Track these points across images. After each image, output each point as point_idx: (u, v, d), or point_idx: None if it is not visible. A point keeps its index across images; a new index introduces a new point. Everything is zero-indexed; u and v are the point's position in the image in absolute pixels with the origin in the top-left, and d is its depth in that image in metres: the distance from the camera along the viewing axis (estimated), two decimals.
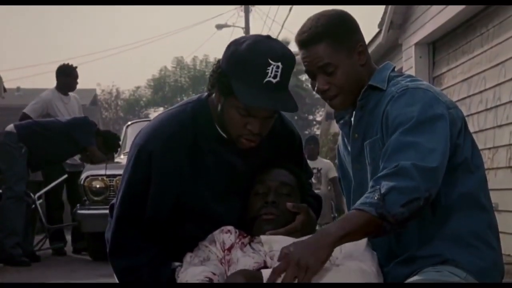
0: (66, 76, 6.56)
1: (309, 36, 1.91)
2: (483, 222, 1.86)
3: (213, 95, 1.94)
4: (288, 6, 21.08)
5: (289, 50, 1.89)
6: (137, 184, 1.94)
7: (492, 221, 1.89)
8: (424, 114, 1.77)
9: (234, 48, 1.85)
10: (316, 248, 1.63)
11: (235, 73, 1.83)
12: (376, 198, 1.68)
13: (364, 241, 1.85)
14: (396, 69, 2.02)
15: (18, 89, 26.13)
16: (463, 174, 1.84)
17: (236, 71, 1.82)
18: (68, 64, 6.65)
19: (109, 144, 6.13)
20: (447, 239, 1.82)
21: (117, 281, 2.02)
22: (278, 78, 1.82)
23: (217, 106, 1.91)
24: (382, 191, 1.68)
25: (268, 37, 1.89)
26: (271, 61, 1.81)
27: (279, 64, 1.82)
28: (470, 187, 1.85)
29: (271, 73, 1.81)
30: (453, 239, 1.82)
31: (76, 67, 6.65)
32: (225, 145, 1.95)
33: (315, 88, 1.95)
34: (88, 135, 5.95)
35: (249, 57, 1.81)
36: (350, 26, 1.94)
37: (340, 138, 2.11)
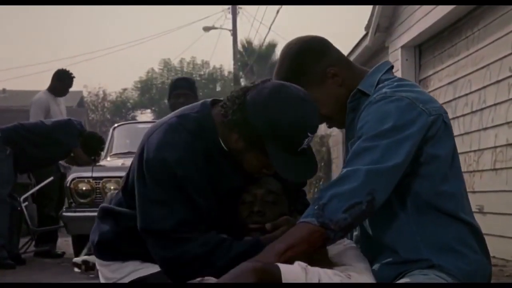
0: (65, 81, 6.71)
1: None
2: (466, 228, 1.88)
3: (217, 107, 1.94)
4: (276, 8, 21.10)
5: (318, 111, 1.91)
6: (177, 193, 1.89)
7: (474, 226, 1.90)
8: (388, 125, 1.78)
9: (273, 114, 1.82)
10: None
11: (273, 140, 1.84)
12: (316, 208, 1.72)
13: (353, 246, 1.87)
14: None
15: (3, 90, 26.01)
16: (441, 183, 1.85)
17: (275, 139, 1.83)
18: (67, 70, 6.78)
19: (89, 146, 6.10)
20: (432, 244, 1.84)
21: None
22: (309, 143, 1.90)
23: (234, 143, 1.91)
24: (323, 200, 1.72)
25: (304, 99, 1.86)
26: (309, 134, 1.86)
27: (314, 134, 1.89)
28: (448, 195, 1.86)
29: (306, 143, 1.87)
30: (438, 245, 1.84)
31: (74, 77, 6.78)
32: (226, 157, 1.95)
33: None
34: (72, 137, 5.94)
35: (291, 133, 1.83)
36: (313, 56, 1.96)
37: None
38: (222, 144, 1.94)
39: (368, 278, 1.81)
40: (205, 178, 1.91)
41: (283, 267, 1.67)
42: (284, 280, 1.65)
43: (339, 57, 2.00)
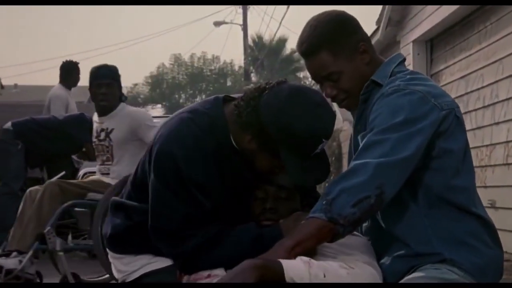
0: (74, 70, 6.74)
1: (308, 47, 1.93)
2: (478, 222, 1.87)
3: (230, 105, 1.94)
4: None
5: (334, 116, 1.90)
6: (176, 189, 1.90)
7: (486, 220, 1.89)
8: (400, 118, 1.77)
9: (288, 120, 1.81)
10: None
11: (288, 145, 1.83)
12: (324, 203, 1.71)
13: (357, 234, 1.89)
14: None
15: (15, 86, 26.15)
16: (453, 177, 1.84)
17: (289, 144, 1.83)
18: (71, 60, 6.80)
19: None
20: (444, 238, 1.83)
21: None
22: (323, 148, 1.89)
23: (246, 143, 1.90)
24: (332, 195, 1.71)
25: (320, 105, 1.85)
26: (324, 140, 1.85)
27: (328, 140, 1.88)
28: (460, 189, 1.86)
29: (320, 148, 1.86)
30: (451, 239, 1.83)
31: (78, 63, 6.80)
32: (236, 153, 1.95)
33: (323, 94, 1.97)
34: (84, 131, 5.95)
35: (306, 139, 1.82)
36: (348, 28, 1.94)
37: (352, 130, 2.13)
38: (233, 142, 1.93)
39: (372, 268, 1.80)
40: (212, 176, 1.91)
41: (285, 263, 1.67)
42: (286, 276, 1.65)
43: (368, 37, 1.99)
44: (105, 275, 4.70)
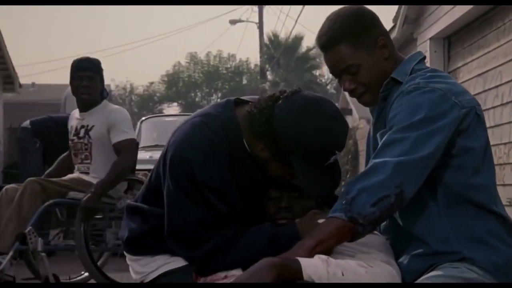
0: None
1: (327, 40, 1.92)
2: (498, 221, 1.86)
3: (242, 109, 1.94)
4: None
5: (347, 128, 1.90)
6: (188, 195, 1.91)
7: (506, 219, 1.88)
8: (420, 116, 1.77)
9: (302, 132, 1.81)
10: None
11: (300, 156, 1.83)
12: (344, 202, 1.71)
13: (375, 233, 1.88)
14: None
15: (33, 84, 26.34)
16: (474, 175, 1.84)
17: (302, 156, 1.83)
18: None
19: None
20: (464, 237, 1.83)
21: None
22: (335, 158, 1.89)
23: (259, 151, 1.90)
24: (351, 194, 1.71)
25: (334, 117, 1.85)
26: (336, 152, 1.85)
27: (342, 151, 1.88)
28: (481, 187, 1.85)
29: (332, 159, 1.86)
30: (470, 238, 1.83)
31: None
32: (250, 157, 1.95)
33: (342, 88, 1.96)
34: None
35: (319, 151, 1.83)
36: (367, 22, 1.93)
37: (370, 128, 2.12)
38: (246, 145, 1.94)
39: (391, 267, 1.80)
40: (226, 179, 1.91)
41: (304, 261, 1.67)
42: (304, 274, 1.66)
43: (387, 32, 1.98)
44: (83, 274, 4.70)
